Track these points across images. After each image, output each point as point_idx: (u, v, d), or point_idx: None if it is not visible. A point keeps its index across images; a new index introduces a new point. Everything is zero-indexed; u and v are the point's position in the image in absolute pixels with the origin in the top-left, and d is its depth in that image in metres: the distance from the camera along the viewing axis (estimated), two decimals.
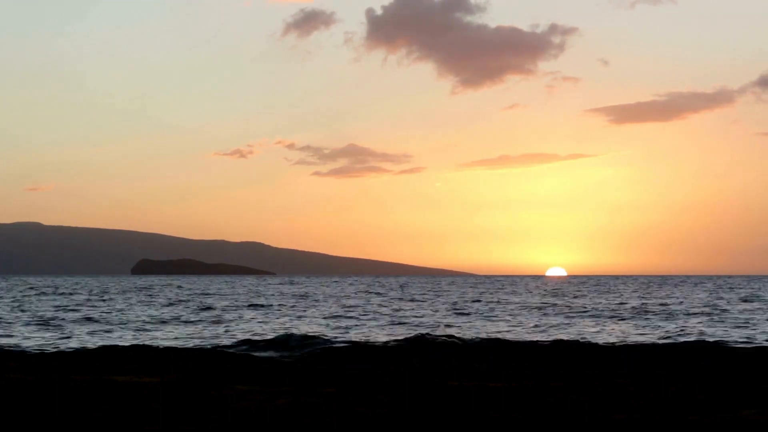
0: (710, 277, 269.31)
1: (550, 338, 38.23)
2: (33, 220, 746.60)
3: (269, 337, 38.62)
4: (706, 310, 62.59)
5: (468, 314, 58.65)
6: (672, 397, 17.48)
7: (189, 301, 78.78)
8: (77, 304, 71.59)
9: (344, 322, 50.79)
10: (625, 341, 37.02)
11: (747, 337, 39.97)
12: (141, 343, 35.51)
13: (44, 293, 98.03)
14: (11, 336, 41.26)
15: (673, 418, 14.79)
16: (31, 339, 39.85)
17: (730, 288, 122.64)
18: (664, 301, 76.80)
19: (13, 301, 76.39)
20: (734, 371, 24.61)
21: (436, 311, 62.04)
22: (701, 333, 41.87)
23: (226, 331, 44.01)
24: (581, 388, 19.14)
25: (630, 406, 16.17)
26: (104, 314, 57.94)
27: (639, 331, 43.48)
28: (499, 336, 38.75)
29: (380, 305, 70.67)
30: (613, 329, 45.27)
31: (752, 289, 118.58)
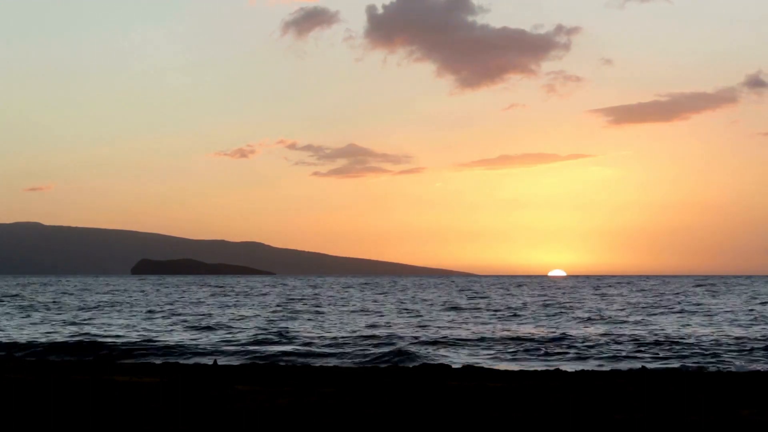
0: (707, 277, 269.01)
1: None
2: (33, 220, 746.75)
3: None
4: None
5: None
6: (672, 397, 17.47)
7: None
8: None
9: None
10: None
11: None
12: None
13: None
14: None
15: (673, 418, 14.79)
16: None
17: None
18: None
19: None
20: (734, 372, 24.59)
21: None
22: None
23: None
24: (581, 388, 19.13)
25: (630, 406, 16.17)
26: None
27: None
28: None
29: None
30: None
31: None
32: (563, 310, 65.33)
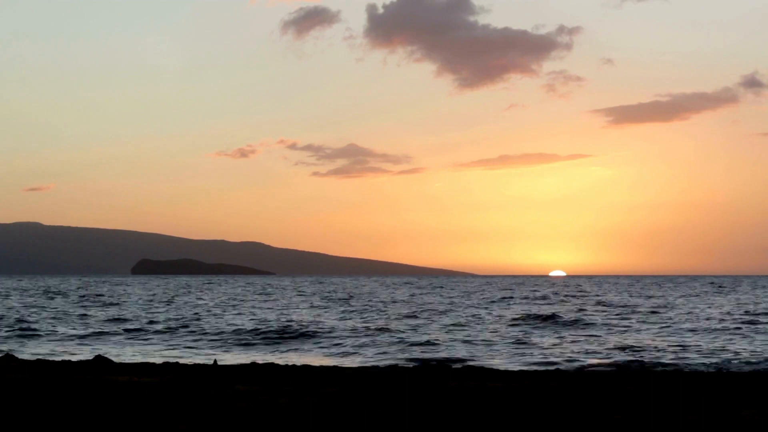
0: (706, 277, 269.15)
1: None
2: (33, 220, 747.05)
3: None
4: None
5: None
6: (672, 397, 17.47)
7: None
8: None
9: None
10: None
11: None
12: None
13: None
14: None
15: (672, 418, 14.79)
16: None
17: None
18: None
19: None
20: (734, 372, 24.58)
21: None
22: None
23: None
24: (581, 388, 19.12)
25: (630, 406, 16.17)
26: None
27: None
28: None
29: None
30: None
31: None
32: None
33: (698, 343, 38.76)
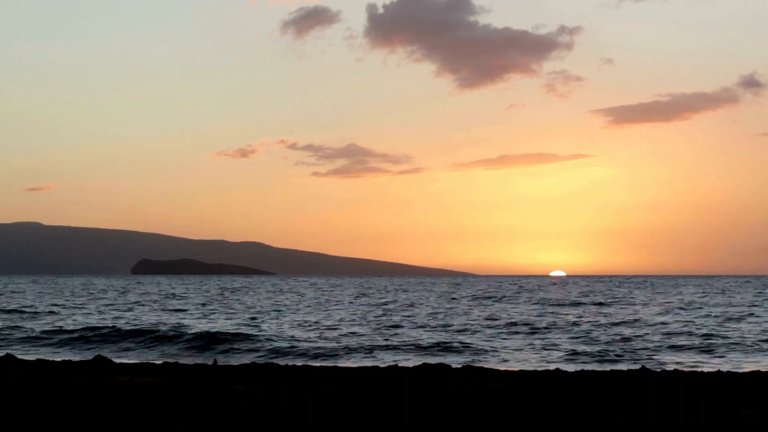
0: (707, 278, 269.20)
1: None
2: (33, 220, 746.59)
3: None
4: None
5: None
6: (672, 397, 17.46)
7: None
8: None
9: None
10: None
11: None
12: None
13: None
14: None
15: (672, 418, 14.79)
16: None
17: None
18: None
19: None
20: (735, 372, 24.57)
21: None
22: None
23: None
24: (581, 388, 19.12)
25: (630, 406, 16.16)
26: None
27: None
28: None
29: None
30: None
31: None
32: None
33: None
